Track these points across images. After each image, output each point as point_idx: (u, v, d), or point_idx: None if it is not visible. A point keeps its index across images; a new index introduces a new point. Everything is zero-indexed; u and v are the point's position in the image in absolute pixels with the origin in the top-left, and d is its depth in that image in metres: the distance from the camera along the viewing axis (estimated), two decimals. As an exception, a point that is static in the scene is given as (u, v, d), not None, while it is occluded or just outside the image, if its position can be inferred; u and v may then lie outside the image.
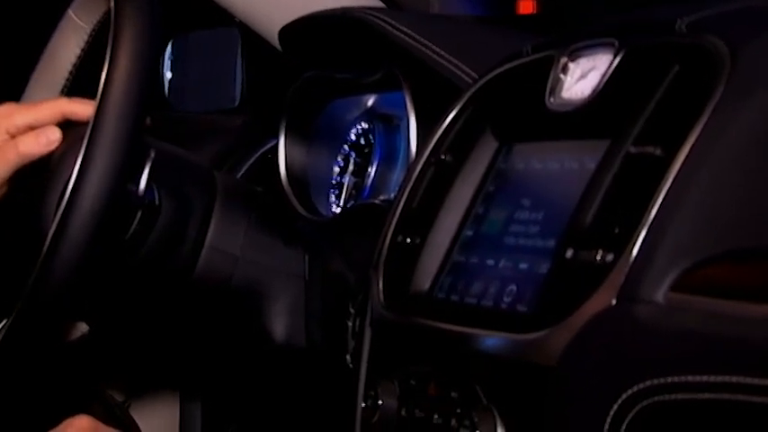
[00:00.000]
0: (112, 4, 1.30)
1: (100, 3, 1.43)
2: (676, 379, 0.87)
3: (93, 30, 1.50)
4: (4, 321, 1.30)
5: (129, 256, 1.39)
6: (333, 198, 1.65)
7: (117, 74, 1.24)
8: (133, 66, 1.25)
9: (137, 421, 1.81)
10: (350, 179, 1.63)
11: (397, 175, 1.54)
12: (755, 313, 0.85)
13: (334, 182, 1.66)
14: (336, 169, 1.66)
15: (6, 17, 2.31)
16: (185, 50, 2.26)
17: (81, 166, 1.22)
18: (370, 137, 1.62)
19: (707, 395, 0.86)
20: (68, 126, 1.37)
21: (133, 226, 1.37)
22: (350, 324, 1.34)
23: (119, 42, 1.26)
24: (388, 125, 1.58)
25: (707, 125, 0.96)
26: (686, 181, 0.95)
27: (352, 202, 1.61)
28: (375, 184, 1.58)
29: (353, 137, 1.65)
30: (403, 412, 1.15)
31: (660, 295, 0.92)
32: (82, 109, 1.37)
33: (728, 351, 0.86)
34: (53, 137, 1.34)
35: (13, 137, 1.37)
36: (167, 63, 2.25)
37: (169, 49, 2.24)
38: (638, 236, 0.95)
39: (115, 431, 1.30)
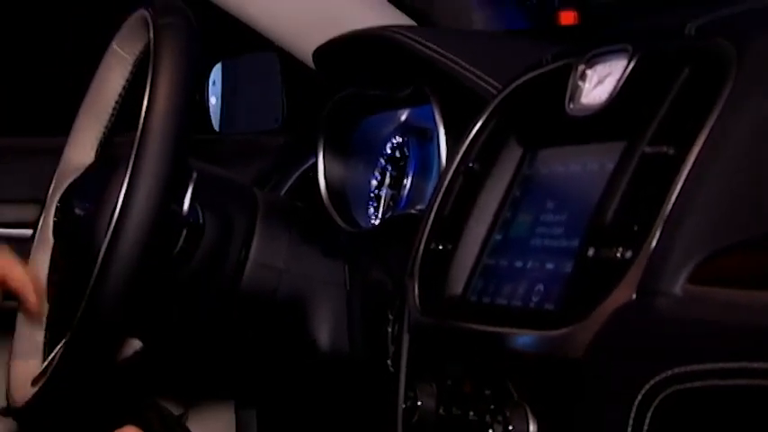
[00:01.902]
0: (152, 35, 1.32)
1: (141, 35, 1.44)
2: (697, 367, 0.88)
3: (137, 60, 1.51)
4: (63, 342, 1.32)
5: (177, 273, 1.40)
6: (371, 210, 1.66)
7: (157, 102, 1.26)
8: (172, 94, 1.26)
9: (193, 432, 1.83)
10: (387, 191, 1.64)
11: (431, 185, 1.55)
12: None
13: (372, 194, 1.67)
14: (374, 182, 1.67)
15: (56, 53, 2.34)
16: (227, 76, 2.28)
17: (127, 189, 1.24)
18: (405, 150, 1.63)
19: (727, 381, 0.86)
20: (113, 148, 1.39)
21: (179, 244, 1.39)
22: (389, 330, 1.35)
23: (158, 72, 1.28)
24: (421, 138, 1.59)
25: (716, 124, 0.97)
26: (698, 177, 0.96)
27: (389, 213, 1.61)
28: (411, 194, 1.58)
29: (389, 150, 1.66)
30: (441, 411, 1.16)
31: (678, 288, 0.93)
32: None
33: (745, 338, 0.86)
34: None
35: None
36: (211, 89, 2.27)
37: (212, 75, 2.26)
38: (654, 232, 0.96)
39: None
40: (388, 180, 1.65)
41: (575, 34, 1.51)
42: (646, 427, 0.93)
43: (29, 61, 2.45)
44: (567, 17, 1.54)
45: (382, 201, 1.65)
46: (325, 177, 1.67)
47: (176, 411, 1.85)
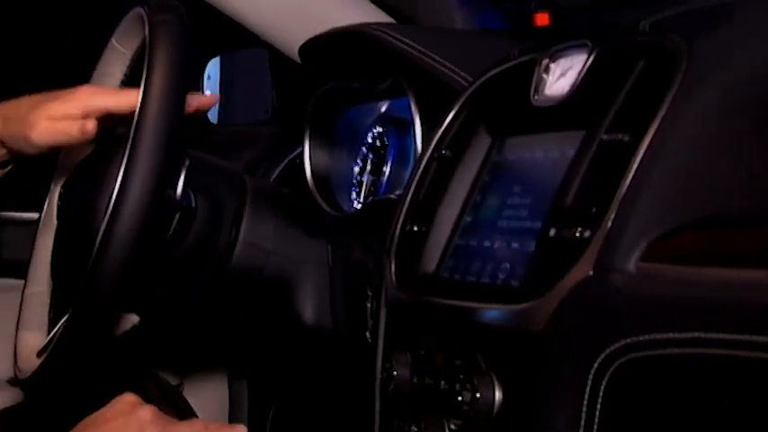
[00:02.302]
0: (147, 32, 1.32)
1: (138, 31, 1.44)
2: (647, 337, 0.89)
3: (134, 55, 1.51)
4: (65, 317, 1.33)
5: (171, 253, 1.40)
6: (353, 195, 1.66)
7: (151, 94, 1.26)
8: (165, 86, 1.26)
9: (190, 402, 1.83)
10: (368, 177, 1.65)
11: (409, 172, 1.55)
12: (716, 277, 0.87)
13: (354, 180, 1.67)
14: (356, 169, 1.68)
15: (58, 48, 2.34)
16: (220, 70, 2.28)
17: (123, 175, 1.24)
18: (385, 139, 1.64)
19: (674, 350, 0.87)
20: (111, 138, 1.39)
21: (173, 226, 1.39)
22: (368, 305, 1.36)
23: (152, 65, 1.28)
24: (399, 128, 1.59)
25: (667, 113, 0.97)
26: (650, 163, 0.96)
27: (370, 197, 1.62)
28: (390, 180, 1.59)
29: (370, 139, 1.66)
30: (415, 380, 1.17)
31: (631, 265, 0.93)
32: None
33: (692, 311, 0.87)
34: (90, 129, 1.36)
35: (84, 116, 1.38)
36: (206, 82, 2.27)
37: (208, 69, 2.26)
38: (610, 213, 0.97)
39: (154, 408, 1.31)
40: (369, 167, 1.65)
41: (548, 35, 1.51)
42: (601, 394, 0.94)
43: (34, 57, 2.45)
44: (542, 18, 1.54)
45: (364, 186, 1.65)
46: (311, 165, 1.67)
47: (173, 382, 1.85)
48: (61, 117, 1.38)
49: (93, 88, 1.40)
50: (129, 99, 1.36)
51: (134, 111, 1.32)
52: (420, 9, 1.69)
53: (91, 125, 1.36)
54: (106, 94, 1.39)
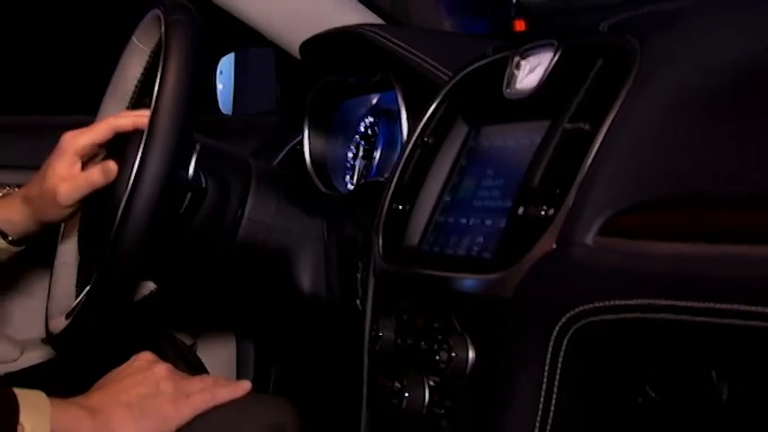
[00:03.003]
0: (163, 30, 1.32)
1: (156, 30, 1.44)
2: (602, 304, 0.89)
3: (152, 51, 1.50)
4: (90, 283, 1.33)
5: (184, 228, 1.40)
6: (347, 178, 1.66)
7: (166, 86, 1.25)
8: (179, 79, 1.26)
9: (202, 360, 1.83)
10: (360, 162, 1.64)
11: (397, 157, 1.55)
12: (666, 250, 0.87)
13: (347, 164, 1.67)
14: (350, 155, 1.67)
15: (84, 47, 2.34)
16: (232, 66, 2.27)
17: (141, 158, 1.24)
18: (375, 128, 1.63)
19: (626, 315, 0.87)
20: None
21: (185, 204, 1.39)
22: (358, 275, 1.36)
23: (167, 61, 1.27)
24: (388, 118, 1.59)
25: (623, 104, 0.98)
26: (607, 148, 0.97)
27: (362, 180, 1.62)
28: (380, 165, 1.59)
29: (362, 128, 1.66)
30: (398, 341, 1.17)
31: (590, 239, 0.94)
32: (126, 122, 1.36)
33: (643, 281, 0.88)
34: (113, 168, 1.33)
35: (81, 157, 1.37)
36: (219, 77, 2.26)
37: (220, 65, 2.26)
38: (571, 194, 0.97)
39: (169, 365, 1.31)
40: (361, 152, 1.65)
41: (525, 39, 1.52)
42: (562, 353, 0.94)
43: (64, 54, 2.45)
44: (520, 24, 1.54)
45: (356, 170, 1.65)
46: (310, 150, 1.67)
47: (187, 342, 1.85)
48: (69, 173, 1.36)
49: (72, 133, 1.38)
50: (102, 127, 1.37)
51: (112, 133, 1.36)
52: (412, 16, 1.69)
53: (112, 165, 1.33)
54: (85, 132, 1.38)
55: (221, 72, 2.27)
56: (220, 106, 2.22)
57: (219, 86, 2.25)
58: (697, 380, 0.89)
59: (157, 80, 1.27)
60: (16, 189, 1.44)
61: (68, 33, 2.51)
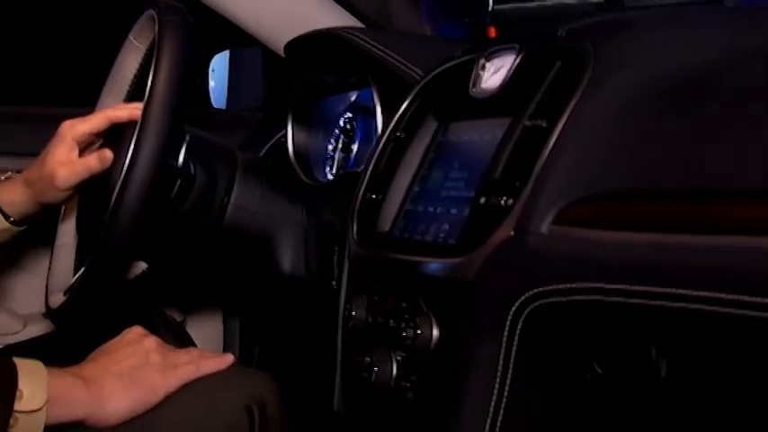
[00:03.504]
0: (157, 30, 1.31)
1: (151, 30, 1.43)
2: (554, 287, 0.89)
3: (147, 49, 1.49)
4: (87, 262, 1.32)
5: (174, 212, 1.39)
6: (327, 168, 1.65)
7: (159, 80, 1.25)
8: (170, 75, 1.25)
9: (191, 335, 1.82)
10: (339, 154, 1.64)
11: (371, 150, 1.54)
12: (615, 239, 0.87)
13: (327, 157, 1.66)
14: (329, 147, 1.67)
15: (83, 45, 2.33)
16: (224, 64, 2.26)
17: (134, 147, 1.23)
18: (353, 123, 1.63)
19: (574, 297, 0.88)
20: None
21: (175, 190, 1.38)
22: (335, 258, 1.36)
23: (160, 57, 1.27)
24: (365, 114, 1.58)
25: (577, 104, 0.98)
26: (562, 144, 0.97)
27: (340, 171, 1.61)
28: (357, 157, 1.58)
29: (341, 123, 1.65)
30: (369, 319, 1.17)
31: (544, 227, 0.94)
32: (122, 113, 1.36)
33: (589, 266, 0.88)
34: (109, 155, 1.32)
35: (78, 144, 1.37)
36: (211, 75, 2.25)
37: (212, 64, 2.24)
38: (529, 185, 0.97)
39: (157, 338, 1.31)
40: (340, 146, 1.64)
41: (491, 43, 1.51)
42: (518, 332, 0.94)
43: (67, 52, 2.45)
44: (493, 32, 1.54)
45: (335, 161, 1.64)
46: (293, 143, 1.66)
47: (177, 319, 1.84)
48: (67, 159, 1.35)
49: (70, 121, 1.38)
50: (99, 117, 1.36)
51: (108, 123, 1.35)
52: (393, 22, 1.68)
53: (108, 152, 1.33)
54: (84, 120, 1.37)
55: (213, 69, 2.26)
56: (212, 101, 2.21)
57: (212, 83, 2.24)
58: (638, 357, 0.89)
59: (150, 75, 1.27)
60: (17, 174, 1.43)
61: (71, 33, 2.51)
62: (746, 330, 0.75)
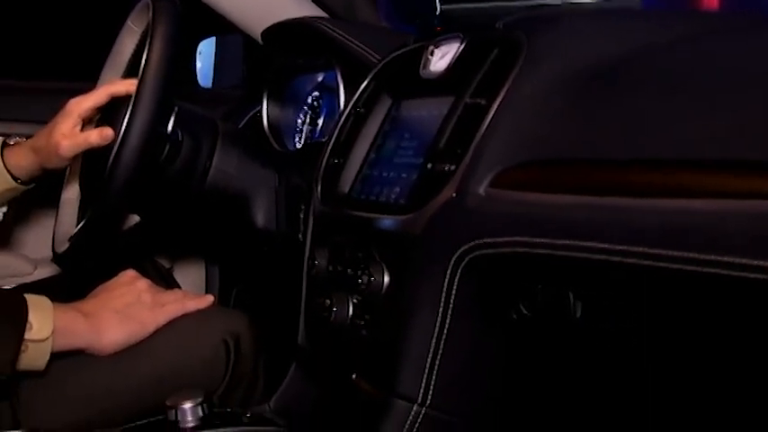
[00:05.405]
0: (150, 16, 1.29)
1: (146, 15, 1.40)
2: (488, 240, 0.89)
3: (143, 33, 1.46)
4: (88, 213, 1.30)
5: (163, 173, 1.37)
6: (296, 138, 1.63)
7: (151, 60, 1.23)
8: (161, 55, 1.23)
9: (177, 280, 1.81)
10: (307, 127, 1.62)
11: (334, 123, 1.53)
12: (543, 200, 0.86)
13: (297, 128, 1.64)
14: (299, 121, 1.64)
15: (86, 28, 2.29)
16: (209, 49, 2.24)
17: (129, 116, 1.22)
18: (320, 100, 1.61)
19: (506, 249, 0.87)
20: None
21: (164, 154, 1.36)
22: (301, 215, 1.35)
23: (152, 40, 1.25)
24: (330, 92, 1.57)
25: (510, 86, 0.97)
26: (498, 119, 0.96)
27: (308, 141, 1.60)
28: (323, 129, 1.57)
29: (309, 100, 1.63)
30: (330, 268, 1.16)
31: (482, 190, 0.93)
32: (120, 88, 1.32)
33: (516, 222, 0.87)
34: (109, 133, 1.28)
35: (83, 120, 1.33)
36: (198, 57, 2.22)
37: (200, 47, 2.21)
38: (469, 153, 0.96)
39: (149, 281, 1.30)
40: (308, 119, 1.63)
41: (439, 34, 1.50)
42: (457, 278, 0.94)
43: (75, 34, 2.42)
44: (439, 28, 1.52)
45: (303, 133, 1.62)
46: (267, 116, 1.64)
47: (166, 265, 1.82)
48: (71, 132, 1.31)
49: (77, 98, 1.34)
50: (101, 92, 1.33)
51: (109, 98, 1.31)
52: (358, 17, 1.66)
53: (108, 131, 1.28)
54: (88, 97, 1.33)
55: (200, 52, 2.22)
56: (199, 80, 2.17)
57: (198, 65, 2.21)
58: (557, 300, 0.89)
59: (144, 55, 1.24)
60: (26, 140, 1.40)
61: (78, 19, 2.49)
62: (656, 278, 0.75)
